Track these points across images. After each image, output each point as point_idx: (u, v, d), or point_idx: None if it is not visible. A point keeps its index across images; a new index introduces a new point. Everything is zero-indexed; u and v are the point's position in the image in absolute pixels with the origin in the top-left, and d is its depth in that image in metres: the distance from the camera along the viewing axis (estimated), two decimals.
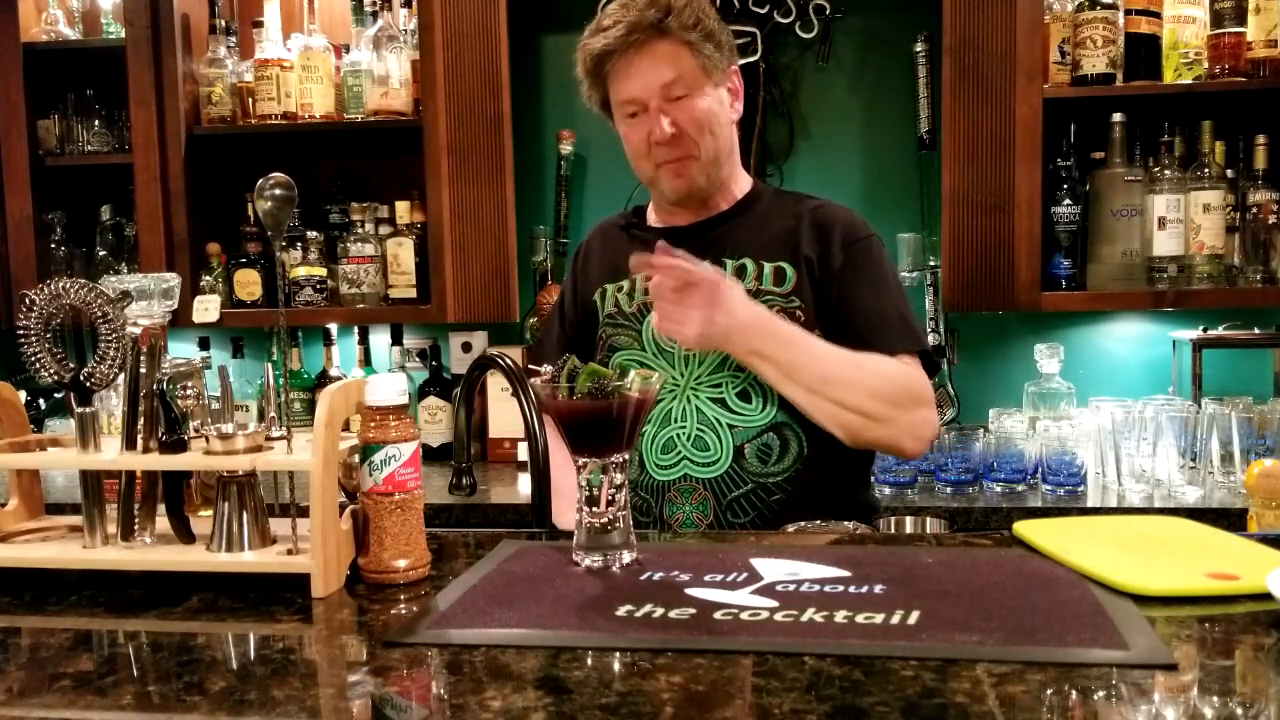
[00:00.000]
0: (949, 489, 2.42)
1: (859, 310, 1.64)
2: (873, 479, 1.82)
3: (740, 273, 1.66)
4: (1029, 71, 2.46)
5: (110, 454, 1.19)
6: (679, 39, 1.62)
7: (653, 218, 1.81)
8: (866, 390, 1.56)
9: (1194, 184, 2.48)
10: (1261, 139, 2.51)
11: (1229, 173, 2.54)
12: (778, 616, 0.99)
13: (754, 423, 1.61)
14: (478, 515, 2.40)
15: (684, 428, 1.62)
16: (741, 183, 1.77)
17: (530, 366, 1.23)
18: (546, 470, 1.46)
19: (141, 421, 1.18)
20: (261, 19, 2.79)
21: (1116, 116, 2.51)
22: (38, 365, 1.19)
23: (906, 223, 2.81)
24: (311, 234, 2.83)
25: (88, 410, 1.20)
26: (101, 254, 2.96)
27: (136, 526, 1.21)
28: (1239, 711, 0.80)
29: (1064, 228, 2.56)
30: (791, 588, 1.07)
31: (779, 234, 1.69)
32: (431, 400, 2.90)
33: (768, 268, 1.66)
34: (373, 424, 1.15)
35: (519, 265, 2.76)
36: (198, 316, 2.78)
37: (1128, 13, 2.48)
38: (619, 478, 1.16)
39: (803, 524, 1.54)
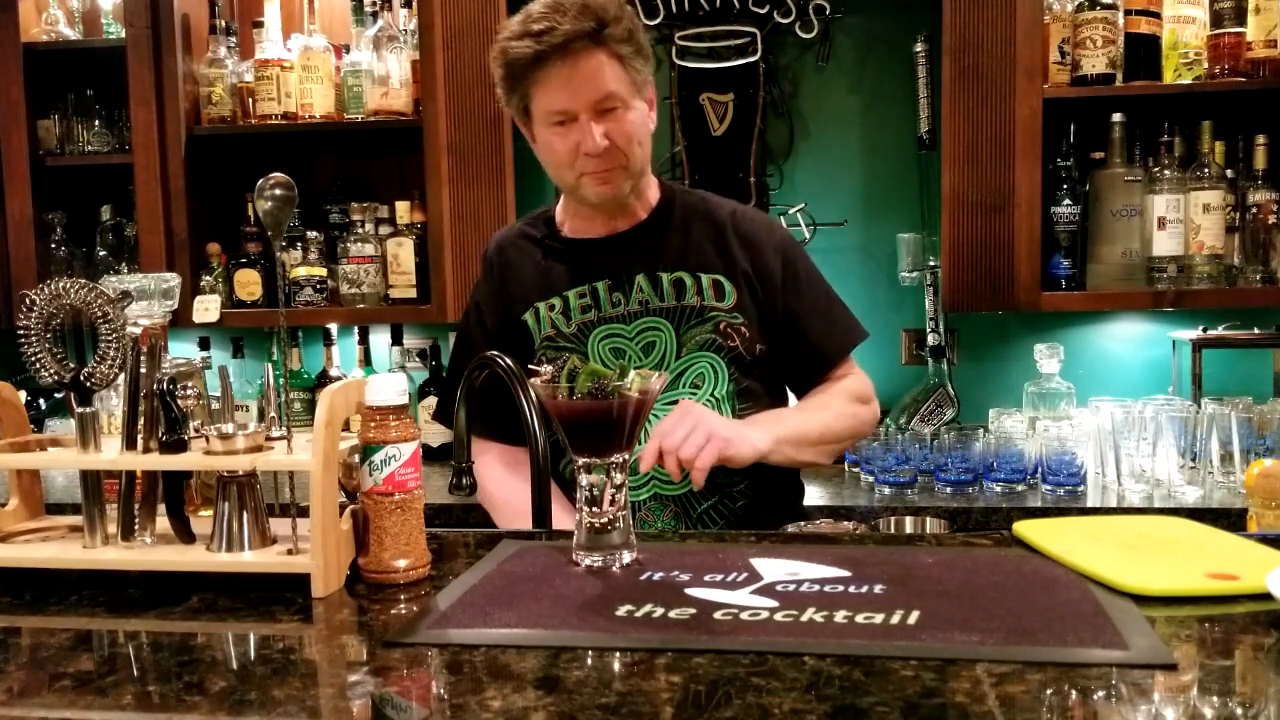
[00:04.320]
0: (949, 489, 2.42)
1: (810, 317, 1.72)
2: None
3: (679, 287, 1.67)
4: (1029, 71, 2.46)
5: (110, 454, 1.19)
6: (612, 51, 1.58)
7: (566, 228, 1.77)
8: (849, 420, 1.72)
9: (1194, 184, 2.48)
10: (1261, 139, 2.51)
11: (1229, 173, 2.54)
12: (778, 616, 0.99)
13: None
14: (478, 515, 2.40)
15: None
16: (653, 188, 1.75)
17: (530, 367, 1.23)
18: (547, 470, 1.46)
19: (141, 421, 1.18)
20: (261, 19, 2.79)
21: (1116, 116, 2.51)
22: (38, 365, 1.19)
23: (906, 223, 2.81)
24: (311, 234, 2.83)
25: (88, 410, 1.20)
26: (101, 254, 2.96)
27: (136, 526, 1.21)
28: (1239, 711, 0.80)
29: (1064, 228, 2.56)
30: (791, 588, 1.07)
31: (705, 244, 1.70)
32: (431, 400, 2.90)
33: (705, 280, 1.67)
34: (373, 424, 1.15)
35: None
36: (198, 316, 2.78)
37: (1128, 13, 2.48)
38: (619, 478, 1.16)
39: (802, 524, 1.55)
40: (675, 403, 1.61)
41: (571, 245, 1.75)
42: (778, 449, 1.59)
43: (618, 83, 1.59)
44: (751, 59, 2.76)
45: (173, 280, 1.26)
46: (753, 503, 1.66)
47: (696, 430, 1.48)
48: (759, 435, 1.56)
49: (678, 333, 1.66)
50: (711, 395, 1.64)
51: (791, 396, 1.82)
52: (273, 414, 1.25)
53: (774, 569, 1.14)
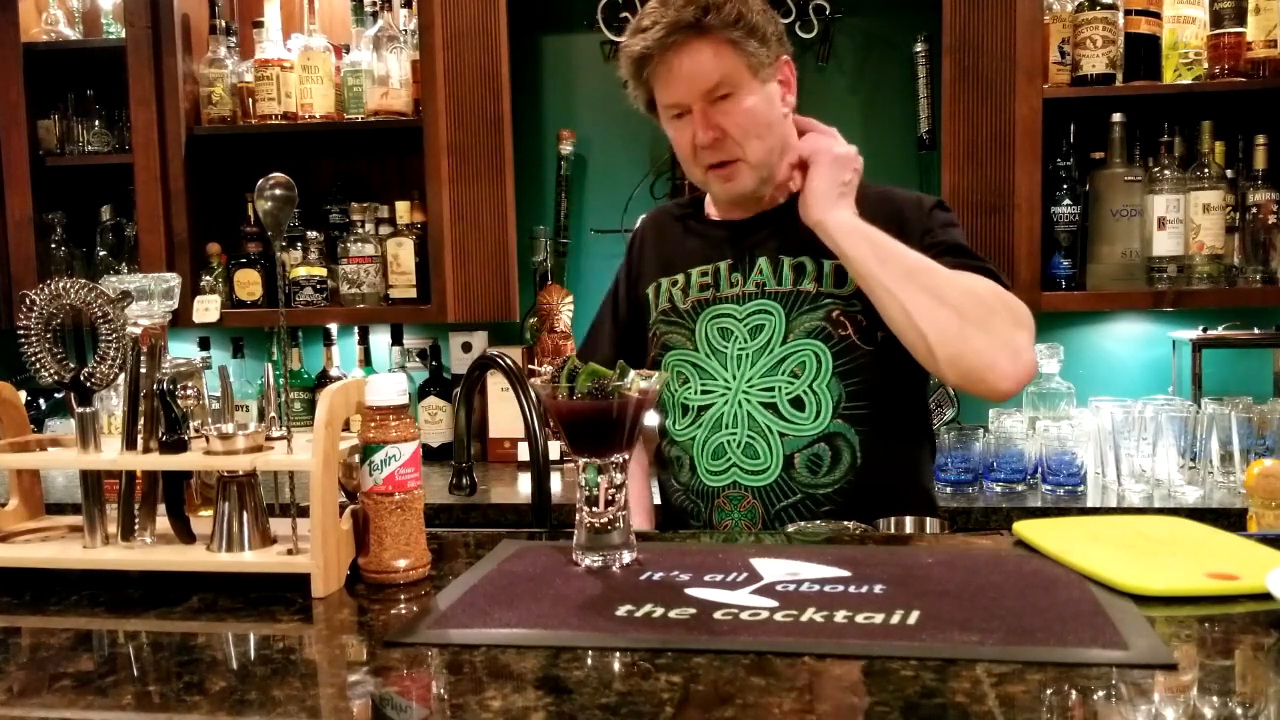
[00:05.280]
0: (949, 489, 2.42)
1: (940, 246, 1.57)
2: (933, 480, 1.75)
3: (798, 271, 1.62)
4: (1029, 71, 2.46)
5: (110, 454, 1.19)
6: (721, 37, 1.56)
7: (711, 210, 1.77)
8: (962, 288, 1.48)
9: (1194, 184, 2.48)
10: (1261, 139, 2.51)
11: (1229, 173, 2.54)
12: (778, 616, 0.99)
13: (806, 431, 1.56)
14: (478, 515, 2.40)
15: (735, 434, 1.59)
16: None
17: (530, 367, 1.23)
18: (547, 470, 1.46)
19: (141, 421, 1.18)
20: (261, 19, 2.79)
21: (1116, 116, 2.51)
22: (38, 365, 1.19)
23: None
24: (311, 234, 2.83)
25: (88, 410, 1.20)
26: (101, 254, 2.96)
27: (136, 526, 1.21)
28: (1239, 711, 0.80)
29: (1064, 228, 2.56)
30: (791, 588, 1.07)
31: None
32: (431, 400, 2.90)
33: (827, 265, 1.60)
34: (373, 424, 1.15)
35: (519, 265, 2.76)
36: (198, 316, 2.78)
37: (1128, 13, 2.48)
38: (619, 478, 1.16)
39: (802, 524, 1.54)
40: (771, 390, 1.59)
41: (709, 225, 1.74)
42: (854, 235, 1.53)
43: (729, 70, 1.57)
44: None
45: (173, 280, 1.26)
46: (842, 510, 1.56)
47: (839, 157, 1.62)
48: (843, 208, 1.56)
49: (787, 318, 1.61)
50: (809, 387, 1.58)
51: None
52: (273, 414, 1.25)
53: (774, 569, 1.14)
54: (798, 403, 1.58)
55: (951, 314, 1.46)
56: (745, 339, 1.62)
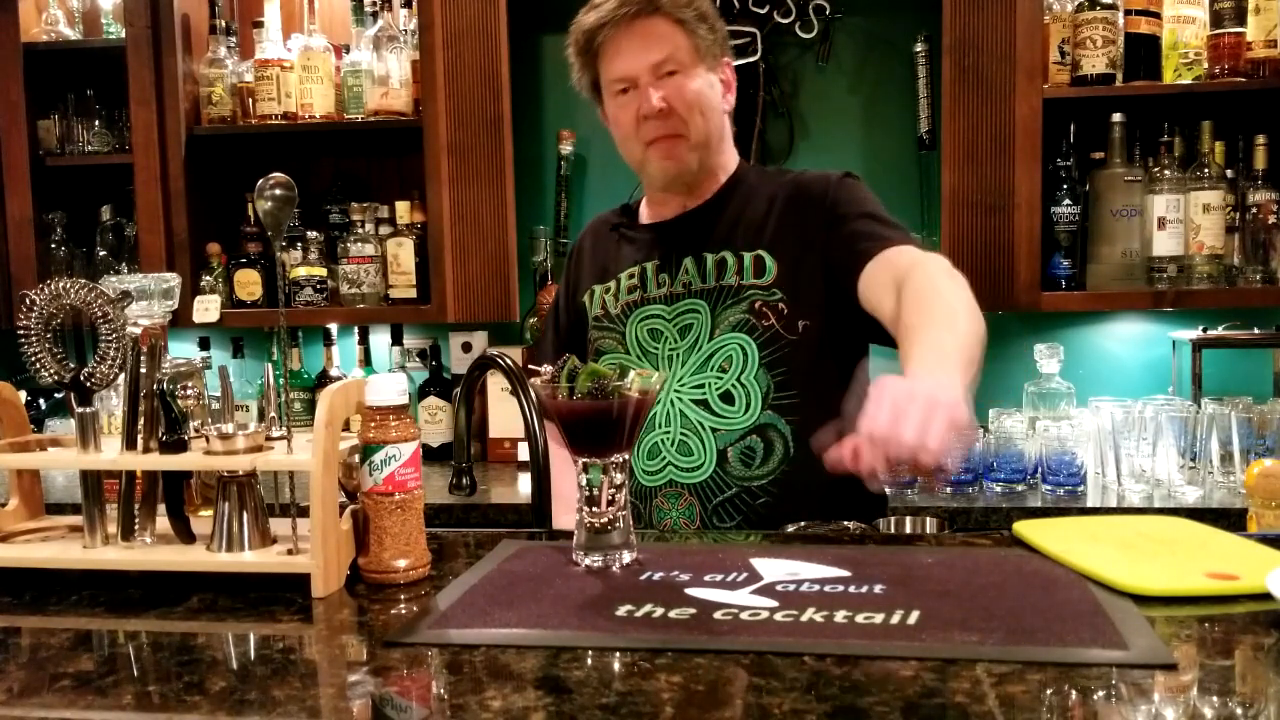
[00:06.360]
0: (949, 489, 2.41)
1: (853, 218, 1.59)
2: None
3: (721, 267, 1.64)
4: (1029, 71, 2.46)
5: (110, 454, 1.19)
6: (671, 17, 1.61)
7: (644, 213, 1.79)
8: (973, 305, 1.49)
9: (1194, 184, 2.48)
10: (1261, 139, 2.51)
11: (1229, 173, 2.54)
12: (778, 616, 0.99)
13: (736, 425, 1.59)
14: (478, 515, 2.40)
15: (668, 432, 1.62)
16: (728, 169, 1.74)
17: (530, 367, 1.23)
18: (546, 470, 1.46)
19: (141, 421, 1.18)
20: (261, 19, 2.79)
21: (1116, 116, 2.51)
22: (38, 365, 1.19)
23: (906, 223, 2.75)
24: (311, 234, 2.83)
25: (88, 410, 1.20)
26: (101, 254, 2.96)
27: (136, 526, 1.21)
28: (1239, 711, 0.80)
29: (1064, 228, 2.56)
30: (791, 588, 1.07)
31: (758, 215, 1.66)
32: (431, 400, 2.90)
33: (747, 258, 1.63)
34: (373, 424, 1.15)
35: (519, 265, 2.76)
36: (198, 316, 2.78)
37: (1128, 13, 2.48)
38: (619, 477, 1.16)
39: (802, 523, 1.54)
40: (701, 386, 1.60)
41: (639, 229, 1.77)
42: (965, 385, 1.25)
43: (677, 48, 1.61)
44: (751, 59, 2.76)
45: (173, 280, 1.26)
46: (779, 501, 1.57)
47: (912, 406, 1.09)
48: (953, 382, 1.20)
49: (713, 314, 1.63)
50: (738, 380, 1.60)
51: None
52: (273, 414, 1.25)
53: (774, 569, 1.14)
54: (727, 397, 1.60)
55: (980, 346, 1.45)
56: (675, 339, 1.64)
